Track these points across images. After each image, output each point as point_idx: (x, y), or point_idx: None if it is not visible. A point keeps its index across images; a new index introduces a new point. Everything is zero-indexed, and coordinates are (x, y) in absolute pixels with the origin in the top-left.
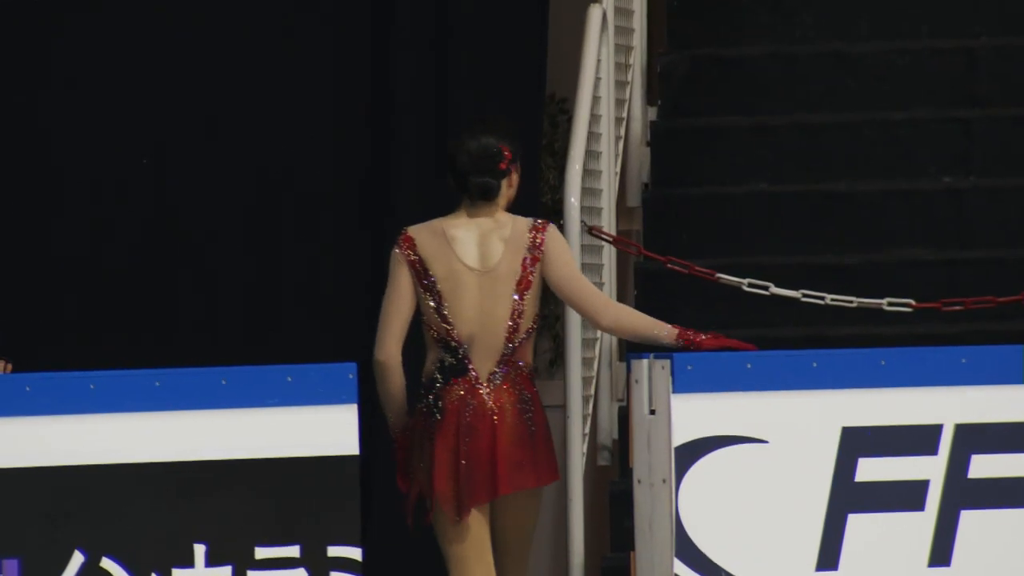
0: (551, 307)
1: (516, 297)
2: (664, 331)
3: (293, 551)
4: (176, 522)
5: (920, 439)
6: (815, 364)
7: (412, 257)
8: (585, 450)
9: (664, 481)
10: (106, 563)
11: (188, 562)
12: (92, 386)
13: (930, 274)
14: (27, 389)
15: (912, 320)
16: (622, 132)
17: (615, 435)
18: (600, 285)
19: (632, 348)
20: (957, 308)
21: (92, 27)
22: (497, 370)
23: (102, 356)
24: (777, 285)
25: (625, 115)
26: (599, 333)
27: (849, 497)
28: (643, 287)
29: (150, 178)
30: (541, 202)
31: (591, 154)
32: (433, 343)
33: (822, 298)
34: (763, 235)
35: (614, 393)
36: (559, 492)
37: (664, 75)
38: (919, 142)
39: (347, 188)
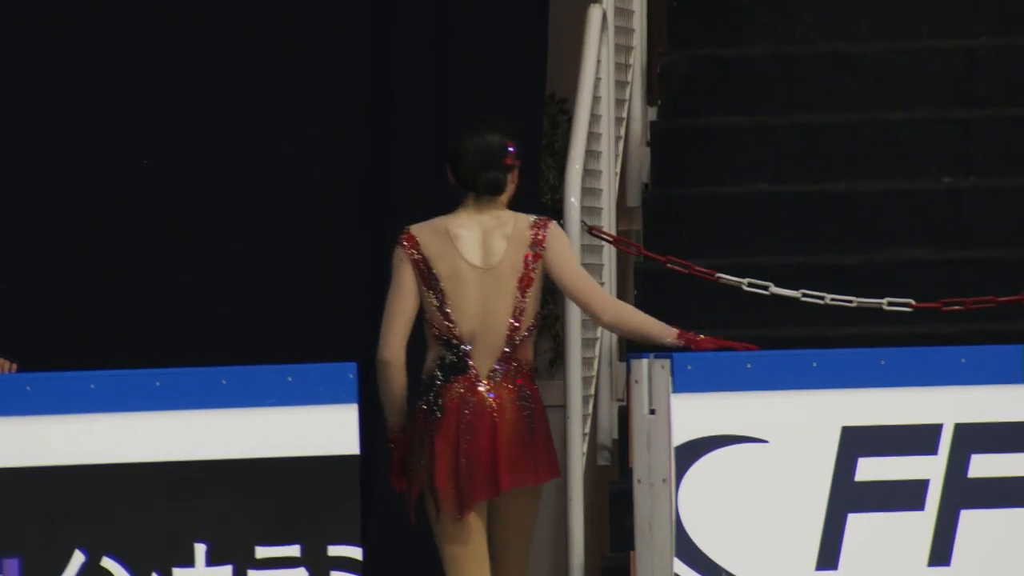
0: (551, 307)
1: (518, 294)
2: (664, 331)
3: (293, 550)
4: (176, 522)
5: (920, 439)
6: (815, 364)
7: (416, 256)
8: (585, 450)
9: (664, 481)
10: (106, 563)
11: (188, 562)
12: (92, 386)
13: (930, 274)
14: (27, 389)
15: (912, 320)
16: (622, 132)
17: (615, 435)
18: (600, 285)
19: (632, 348)
20: (957, 308)
21: (92, 27)
22: (497, 368)
23: (102, 356)
24: (777, 285)
25: (625, 115)
26: (599, 333)
27: (849, 497)
28: (643, 287)
29: (150, 178)
30: (541, 202)
31: (591, 154)
32: (434, 341)
33: (822, 298)
34: (763, 235)
35: (614, 393)
36: (559, 492)
37: (664, 75)
38: (919, 142)
39: (347, 188)
